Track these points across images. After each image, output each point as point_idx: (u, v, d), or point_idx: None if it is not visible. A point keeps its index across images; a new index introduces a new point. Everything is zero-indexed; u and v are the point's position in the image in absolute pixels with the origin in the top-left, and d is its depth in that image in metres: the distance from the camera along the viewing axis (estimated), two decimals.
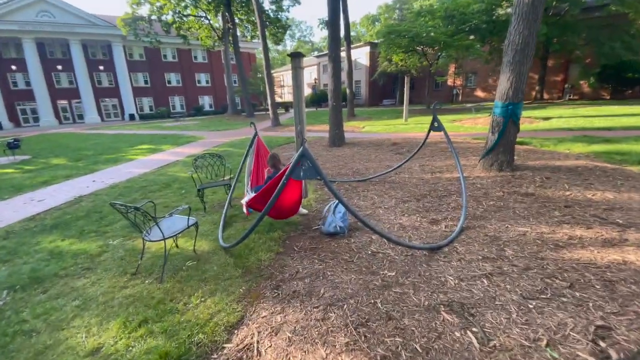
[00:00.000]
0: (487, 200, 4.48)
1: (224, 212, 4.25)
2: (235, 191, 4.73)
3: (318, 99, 34.97)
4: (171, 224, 3.32)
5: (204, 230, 4.06)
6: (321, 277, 2.80)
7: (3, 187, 6.91)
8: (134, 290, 2.88)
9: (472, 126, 12.95)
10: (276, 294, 2.66)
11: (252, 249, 3.46)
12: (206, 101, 38.99)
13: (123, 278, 3.10)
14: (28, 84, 29.49)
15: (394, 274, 2.76)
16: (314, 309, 2.36)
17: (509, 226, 3.59)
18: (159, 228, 3.02)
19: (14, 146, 11.56)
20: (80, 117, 32.66)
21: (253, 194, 3.93)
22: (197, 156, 5.19)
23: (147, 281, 3.02)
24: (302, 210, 4.47)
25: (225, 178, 5.25)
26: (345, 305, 2.36)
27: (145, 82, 35.21)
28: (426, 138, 5.21)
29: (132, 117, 33.94)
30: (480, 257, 2.93)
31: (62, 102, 31.77)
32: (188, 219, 3.25)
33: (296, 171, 2.61)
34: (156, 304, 2.63)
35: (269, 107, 18.14)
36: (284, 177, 2.65)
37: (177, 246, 3.65)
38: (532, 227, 3.53)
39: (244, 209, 4.01)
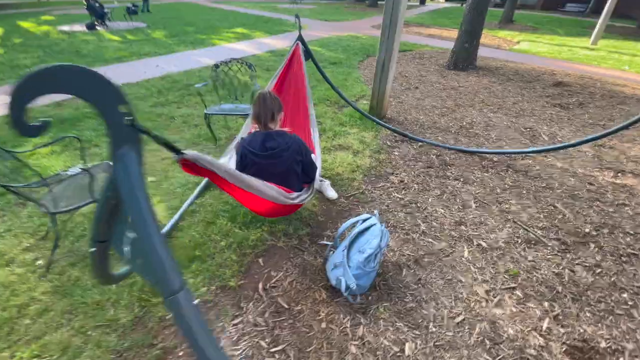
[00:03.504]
0: None
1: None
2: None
3: None
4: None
5: (180, 183, 2.77)
6: None
7: (89, 56, 6.86)
8: (11, 276, 1.90)
9: None
10: None
11: (194, 259, 2.01)
12: None
13: (27, 241, 2.16)
14: None
15: None
16: None
17: None
18: (35, 201, 1.79)
19: (132, 12, 11.86)
20: None
21: None
22: (218, 62, 3.55)
23: (38, 262, 2.01)
24: (330, 194, 2.65)
25: None
26: None
27: None
28: None
29: None
30: None
31: None
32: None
33: None
34: None
35: None
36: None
37: None
38: None
39: None
